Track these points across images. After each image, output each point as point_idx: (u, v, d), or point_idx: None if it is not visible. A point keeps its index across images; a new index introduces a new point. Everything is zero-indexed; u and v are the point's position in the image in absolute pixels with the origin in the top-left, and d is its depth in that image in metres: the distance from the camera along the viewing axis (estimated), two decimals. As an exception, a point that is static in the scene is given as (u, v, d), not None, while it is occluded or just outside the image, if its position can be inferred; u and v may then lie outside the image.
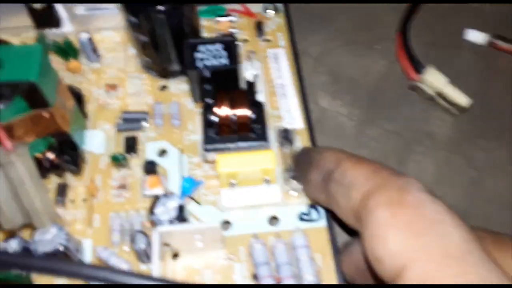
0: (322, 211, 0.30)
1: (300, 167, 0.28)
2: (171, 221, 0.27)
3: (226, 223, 0.30)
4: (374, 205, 0.20)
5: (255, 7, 0.37)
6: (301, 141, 0.32)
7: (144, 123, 0.32)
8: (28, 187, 0.24)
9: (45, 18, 0.34)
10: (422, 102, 0.36)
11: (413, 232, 0.18)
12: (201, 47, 0.31)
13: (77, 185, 0.30)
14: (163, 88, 0.34)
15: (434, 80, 0.34)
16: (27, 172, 0.24)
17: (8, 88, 0.25)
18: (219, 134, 0.29)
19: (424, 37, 0.38)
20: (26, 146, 0.25)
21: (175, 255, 0.28)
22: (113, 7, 0.34)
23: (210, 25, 0.37)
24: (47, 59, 0.27)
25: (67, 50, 0.34)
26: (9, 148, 0.24)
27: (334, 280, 0.28)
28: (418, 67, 0.35)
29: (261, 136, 0.29)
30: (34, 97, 0.26)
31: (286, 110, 0.33)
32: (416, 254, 0.18)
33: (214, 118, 0.29)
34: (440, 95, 0.35)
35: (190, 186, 0.30)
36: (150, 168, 0.30)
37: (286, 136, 0.31)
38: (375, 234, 0.19)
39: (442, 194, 0.33)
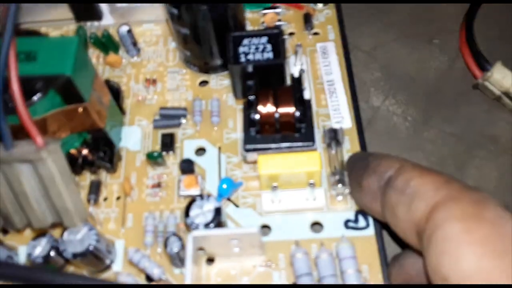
0: (370, 218, 0.27)
1: (354, 171, 0.26)
2: (206, 225, 0.25)
3: (266, 228, 0.28)
4: (444, 218, 0.17)
5: (303, -1, 0.35)
6: (349, 142, 0.29)
7: (182, 120, 0.31)
8: (59, 186, 0.23)
9: (86, 11, 0.33)
10: (486, 102, 0.33)
11: (490, 251, 0.16)
12: (245, 41, 0.29)
13: (111, 183, 0.29)
14: (203, 83, 0.33)
15: (502, 78, 0.31)
16: (58, 170, 0.23)
17: (41, 82, 0.24)
18: (260, 133, 0.27)
19: (490, 31, 0.35)
20: (58, 142, 0.23)
21: (210, 260, 0.27)
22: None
23: (255, 18, 0.35)
24: (84, 52, 0.26)
25: (107, 44, 0.33)
26: (40, 144, 0.22)
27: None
28: (483, 64, 0.32)
29: (307, 136, 0.27)
30: (68, 91, 0.25)
31: (334, 108, 0.31)
32: (493, 276, 0.15)
33: (256, 116, 0.27)
34: (507, 94, 0.31)
35: (228, 187, 0.28)
36: (187, 167, 0.29)
37: (334, 136, 0.28)
38: (444, 250, 0.17)
39: (505, 203, 0.30)
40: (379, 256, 0.26)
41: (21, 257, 0.27)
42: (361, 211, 0.27)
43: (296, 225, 0.27)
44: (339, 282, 0.24)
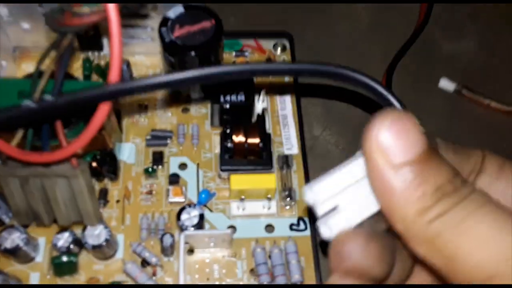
0: (308, 223, 0.37)
1: None
2: (193, 226, 0.34)
3: (232, 228, 0.37)
4: None
5: (265, 44, 0.44)
6: (296, 165, 0.39)
7: (168, 140, 0.39)
8: (85, 195, 0.31)
9: (91, 43, 0.40)
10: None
11: None
12: (225, 83, 0.37)
13: (112, 189, 0.37)
14: (185, 110, 0.41)
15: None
16: (86, 184, 0.31)
17: (75, 116, 0.31)
18: (233, 157, 0.37)
19: (405, 81, 0.46)
20: (86, 163, 0.31)
21: (191, 251, 0.35)
22: (148, 37, 0.41)
23: (227, 58, 0.44)
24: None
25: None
26: (75, 165, 0.30)
27: (313, 278, 0.35)
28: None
29: (267, 161, 0.37)
30: (93, 123, 0.32)
31: (286, 137, 0.40)
32: None
33: (230, 145, 0.36)
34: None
35: (206, 197, 0.37)
36: (174, 179, 0.37)
37: (285, 161, 0.38)
38: None
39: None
40: (313, 251, 0.36)
41: (41, 246, 0.35)
42: (301, 218, 0.37)
43: (255, 226, 0.37)
44: (286, 270, 0.34)
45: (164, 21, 0.36)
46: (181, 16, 0.37)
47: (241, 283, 0.35)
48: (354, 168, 0.19)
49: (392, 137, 0.18)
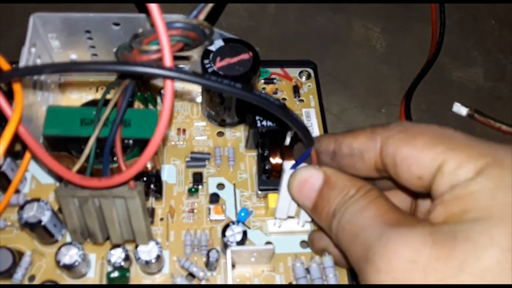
0: (339, 239, 0.40)
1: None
2: (237, 243, 0.36)
3: (269, 244, 0.39)
4: None
5: (291, 72, 0.47)
6: (326, 184, 0.42)
7: (206, 162, 0.42)
8: (140, 215, 0.33)
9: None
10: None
11: None
12: (260, 111, 0.40)
13: (156, 208, 0.40)
14: (220, 133, 0.44)
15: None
16: (141, 205, 0.33)
17: (132, 142, 0.34)
18: (270, 178, 0.39)
19: (421, 106, 0.49)
20: (142, 184, 0.34)
21: (232, 266, 0.38)
22: (186, 66, 0.44)
23: (257, 85, 0.47)
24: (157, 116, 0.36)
25: (149, 99, 0.43)
26: (132, 186, 0.33)
27: (346, 292, 0.38)
28: (415, 133, 0.46)
29: (302, 181, 0.39)
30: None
31: (315, 159, 0.43)
32: None
33: (268, 166, 0.39)
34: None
35: (245, 215, 0.39)
36: (215, 199, 0.40)
37: (317, 181, 0.41)
38: None
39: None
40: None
41: (92, 262, 0.37)
42: (333, 234, 0.40)
43: (290, 242, 0.40)
44: (325, 282, 0.37)
45: (206, 54, 0.39)
46: (221, 49, 0.40)
47: (280, 296, 0.37)
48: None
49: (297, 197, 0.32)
